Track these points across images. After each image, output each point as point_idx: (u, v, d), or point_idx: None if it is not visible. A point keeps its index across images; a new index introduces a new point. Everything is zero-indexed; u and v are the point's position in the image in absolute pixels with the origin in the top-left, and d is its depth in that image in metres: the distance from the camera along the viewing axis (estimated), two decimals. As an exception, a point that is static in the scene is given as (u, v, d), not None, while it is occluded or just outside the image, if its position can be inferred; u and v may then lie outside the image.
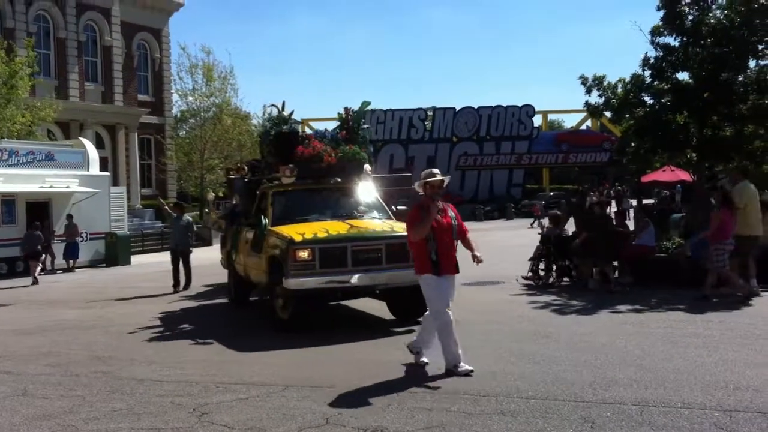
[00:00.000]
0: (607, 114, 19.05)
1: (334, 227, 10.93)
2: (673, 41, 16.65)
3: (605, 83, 17.09)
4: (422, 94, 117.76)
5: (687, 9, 16.32)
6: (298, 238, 10.39)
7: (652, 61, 16.69)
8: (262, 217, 11.81)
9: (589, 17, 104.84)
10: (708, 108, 16.23)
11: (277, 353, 9.31)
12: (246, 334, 10.85)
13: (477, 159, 57.97)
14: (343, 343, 9.76)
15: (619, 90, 16.99)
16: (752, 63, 16.38)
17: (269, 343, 10.03)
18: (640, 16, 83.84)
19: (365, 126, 13.37)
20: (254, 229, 11.98)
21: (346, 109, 13.11)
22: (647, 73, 16.88)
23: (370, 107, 13.18)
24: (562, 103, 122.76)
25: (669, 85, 16.55)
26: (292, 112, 13.18)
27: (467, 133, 57.64)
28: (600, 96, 17.27)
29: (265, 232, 11.43)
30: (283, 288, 10.52)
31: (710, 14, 16.19)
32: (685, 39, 16.43)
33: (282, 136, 12.71)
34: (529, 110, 58.53)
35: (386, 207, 12.52)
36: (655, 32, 16.64)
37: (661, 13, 16.57)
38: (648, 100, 17.07)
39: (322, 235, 10.54)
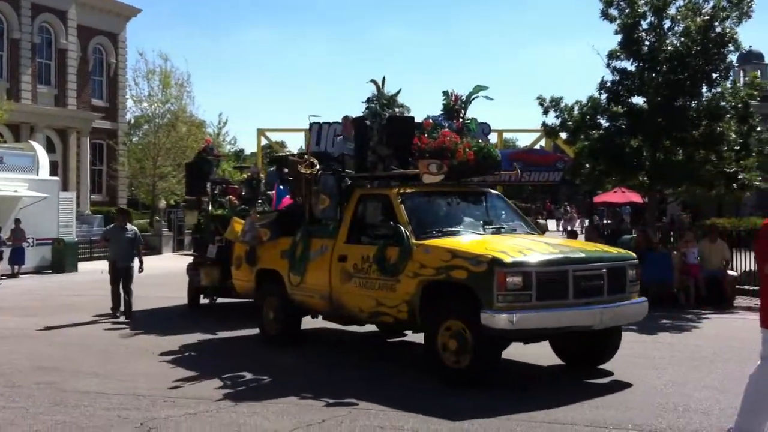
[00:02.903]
0: (563, 135, 19.35)
1: (526, 244, 8.36)
2: (629, 66, 17.02)
3: (562, 105, 17.35)
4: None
5: (644, 35, 16.68)
6: (504, 257, 7.67)
7: (608, 84, 17.03)
8: (401, 227, 8.71)
9: (548, 39, 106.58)
10: (661, 133, 16.59)
11: (233, 367, 9.16)
12: (200, 348, 10.66)
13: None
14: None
15: (576, 112, 17.27)
16: (706, 90, 16.78)
17: (224, 357, 9.85)
18: (599, 39, 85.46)
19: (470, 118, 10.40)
20: (376, 242, 8.96)
21: (450, 93, 10.25)
22: (604, 96, 17.21)
23: (483, 93, 10.18)
24: (518, 122, 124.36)
25: (624, 109, 16.87)
26: (398, 92, 10.22)
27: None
28: (557, 117, 17.53)
29: (412, 247, 8.51)
30: (462, 329, 7.90)
31: (667, 41, 16.55)
32: (641, 64, 16.78)
33: (398, 122, 9.87)
34: (485, 128, 58.85)
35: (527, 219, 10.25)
36: (612, 56, 16.98)
37: (619, 38, 16.89)
38: (603, 123, 17.37)
39: (532, 253, 7.95)
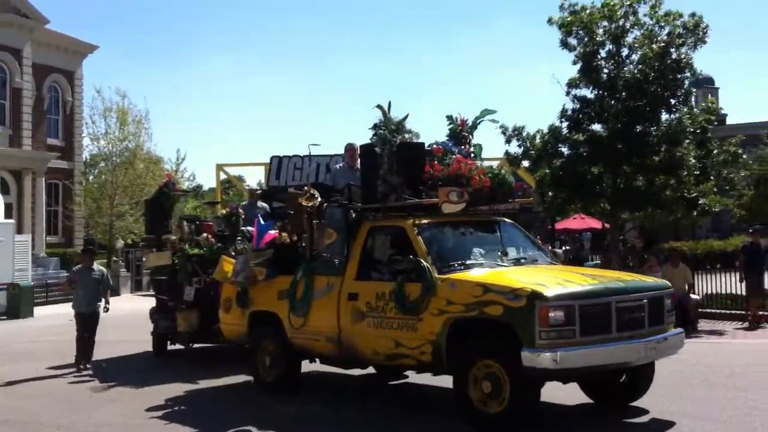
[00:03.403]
0: (526, 163, 19.48)
1: (561, 275, 7.95)
2: (589, 94, 17.23)
3: (524, 134, 17.49)
4: (341, 141, 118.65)
5: (603, 63, 16.93)
6: (544, 290, 7.12)
7: (569, 112, 17.21)
8: (421, 261, 8.07)
9: (510, 66, 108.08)
10: (622, 159, 16.80)
11: (203, 417, 8.84)
12: (168, 393, 10.24)
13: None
14: None
15: (538, 141, 17.40)
16: (664, 116, 17.04)
17: (201, 406, 9.49)
18: (560, 66, 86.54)
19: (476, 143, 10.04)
20: (392, 278, 8.29)
21: (456, 117, 9.83)
22: (565, 124, 17.38)
23: (489, 117, 9.87)
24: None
25: (585, 137, 17.05)
26: (406, 117, 9.65)
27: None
28: (519, 146, 17.67)
29: (436, 282, 7.88)
30: (499, 370, 7.33)
31: (625, 69, 16.82)
32: (601, 92, 17.01)
33: (409, 148, 9.24)
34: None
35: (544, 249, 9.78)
36: (572, 85, 17.18)
37: (579, 66, 17.12)
38: (565, 150, 17.52)
39: (572, 285, 7.46)
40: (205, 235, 12.93)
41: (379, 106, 9.64)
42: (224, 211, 13.54)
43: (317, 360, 9.85)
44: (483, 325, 7.51)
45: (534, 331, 6.97)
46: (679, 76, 16.52)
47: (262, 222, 10.79)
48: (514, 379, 7.15)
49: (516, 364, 7.05)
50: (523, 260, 8.65)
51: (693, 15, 16.59)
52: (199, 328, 12.36)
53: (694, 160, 16.53)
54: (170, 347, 13.66)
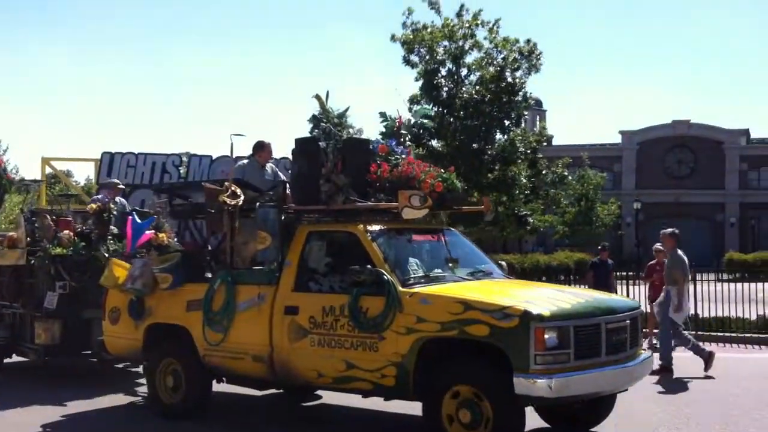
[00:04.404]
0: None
1: (542, 292, 7.39)
2: (430, 110, 17.66)
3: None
4: (177, 140, 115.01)
5: (443, 81, 17.43)
6: (538, 309, 6.40)
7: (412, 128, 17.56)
8: (382, 272, 7.06)
9: (355, 79, 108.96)
10: (458, 176, 17.29)
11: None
12: (36, 419, 8.42)
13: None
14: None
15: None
16: (499, 136, 17.79)
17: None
18: (407, 81, 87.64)
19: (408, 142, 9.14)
20: (343, 290, 7.29)
21: (390, 116, 8.95)
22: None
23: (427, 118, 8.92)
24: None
25: (425, 152, 17.48)
26: (347, 109, 8.69)
27: (223, 183, 56.73)
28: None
29: (401, 296, 6.93)
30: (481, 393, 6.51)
31: (464, 89, 17.41)
32: (440, 109, 17.51)
33: (356, 145, 8.28)
34: (286, 163, 58.37)
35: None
36: (413, 101, 17.58)
37: (420, 83, 17.57)
38: (406, 165, 17.86)
39: (561, 303, 6.76)
40: (66, 232, 10.91)
41: (317, 96, 8.67)
42: (94, 206, 11.35)
43: (224, 380, 8.61)
44: (458, 346, 6.75)
45: (528, 354, 6.22)
46: (513, 98, 17.29)
47: (138, 220, 9.48)
48: (499, 409, 6.39)
49: (502, 391, 6.36)
50: (479, 273, 7.86)
51: (528, 41, 17.42)
52: (62, 341, 10.43)
53: (525, 180, 17.35)
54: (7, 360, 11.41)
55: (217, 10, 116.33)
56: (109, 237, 10.56)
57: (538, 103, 54.41)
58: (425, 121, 9.49)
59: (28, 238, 11.10)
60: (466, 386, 6.55)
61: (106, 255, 9.79)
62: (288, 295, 7.60)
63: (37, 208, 12.96)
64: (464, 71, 17.74)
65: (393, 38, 17.58)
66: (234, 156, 9.83)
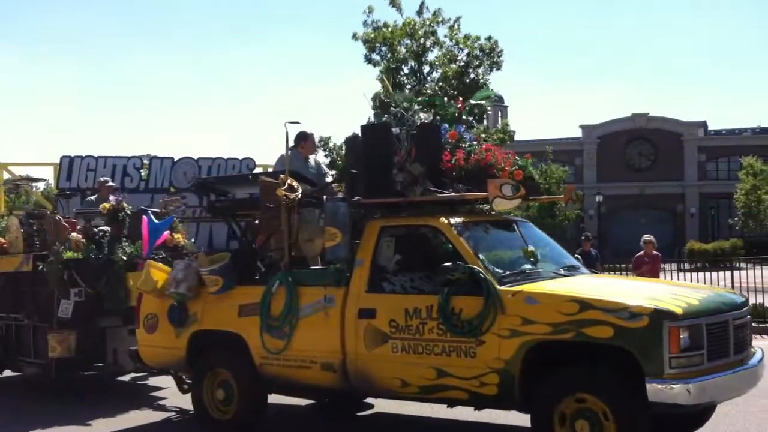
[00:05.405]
0: (332, 173, 19.69)
1: (664, 287, 6.85)
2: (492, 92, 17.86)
3: (331, 144, 17.69)
4: (137, 142, 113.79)
5: (405, 80, 17.48)
6: (671, 307, 5.83)
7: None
8: (477, 269, 6.39)
9: (314, 79, 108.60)
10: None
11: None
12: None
13: (196, 211, 56.67)
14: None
15: (344, 151, 17.62)
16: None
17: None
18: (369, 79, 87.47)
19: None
20: (431, 290, 6.68)
21: (448, 100, 8.22)
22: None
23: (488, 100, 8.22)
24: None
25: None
26: (418, 92, 8.65)
27: (186, 184, 56.24)
28: (326, 156, 17.83)
29: (501, 295, 6.26)
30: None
31: (427, 86, 17.53)
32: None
33: (428, 130, 7.44)
34: (250, 163, 58.40)
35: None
36: (376, 99, 17.58)
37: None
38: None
39: (689, 299, 6.14)
40: (73, 235, 10.09)
41: (382, 80, 8.08)
42: (107, 206, 10.56)
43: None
44: (571, 349, 6.13)
45: (662, 357, 5.63)
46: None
47: (155, 220, 8.88)
48: (628, 418, 5.76)
49: (629, 398, 5.79)
50: (571, 268, 7.30)
51: (489, 38, 17.53)
52: (78, 353, 9.62)
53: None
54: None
55: (186, 11, 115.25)
56: (125, 239, 9.83)
57: (500, 99, 54.83)
58: (483, 102, 9.06)
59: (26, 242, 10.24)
60: (585, 394, 5.93)
61: (124, 258, 9.21)
62: (362, 296, 6.89)
63: (36, 209, 12.32)
64: (427, 68, 17.81)
65: (354, 37, 17.59)
66: (288, 146, 9.01)
